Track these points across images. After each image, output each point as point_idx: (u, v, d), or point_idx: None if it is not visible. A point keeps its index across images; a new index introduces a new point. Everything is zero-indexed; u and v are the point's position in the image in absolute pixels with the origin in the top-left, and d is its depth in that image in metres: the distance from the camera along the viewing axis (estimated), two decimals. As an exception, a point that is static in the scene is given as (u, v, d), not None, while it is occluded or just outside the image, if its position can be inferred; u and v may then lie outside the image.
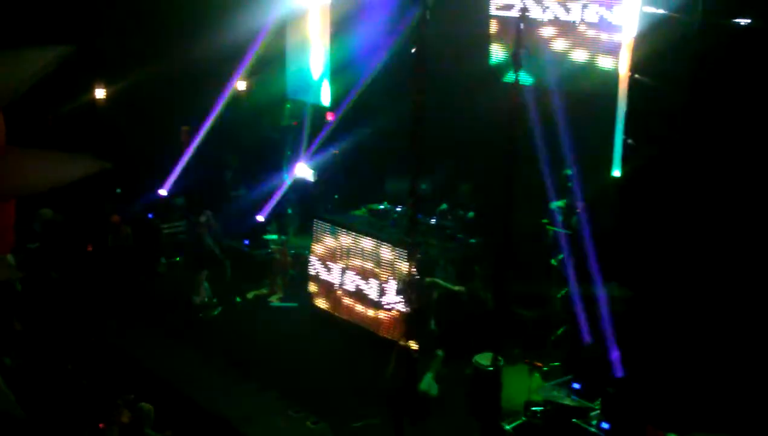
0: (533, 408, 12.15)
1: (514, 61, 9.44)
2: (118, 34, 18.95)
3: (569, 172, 14.36)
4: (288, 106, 20.29)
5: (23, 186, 4.19)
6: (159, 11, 18.64)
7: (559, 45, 15.05)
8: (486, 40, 16.02)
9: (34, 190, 4.33)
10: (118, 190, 19.15)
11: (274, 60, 19.85)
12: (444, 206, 16.16)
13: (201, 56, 18.14)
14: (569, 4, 14.73)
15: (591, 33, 14.47)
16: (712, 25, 7.01)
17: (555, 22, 15.01)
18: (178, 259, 18.73)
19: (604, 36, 14.19)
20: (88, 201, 17.16)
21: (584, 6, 14.50)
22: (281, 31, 19.36)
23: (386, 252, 14.68)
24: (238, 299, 17.15)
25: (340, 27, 18.33)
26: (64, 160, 4.28)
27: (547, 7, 15.04)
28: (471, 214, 15.84)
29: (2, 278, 4.38)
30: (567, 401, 12.37)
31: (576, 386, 12.67)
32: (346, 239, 15.56)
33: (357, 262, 15.34)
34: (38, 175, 4.15)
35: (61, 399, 11.21)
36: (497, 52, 16.04)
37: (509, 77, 13.79)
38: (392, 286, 14.53)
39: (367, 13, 16.99)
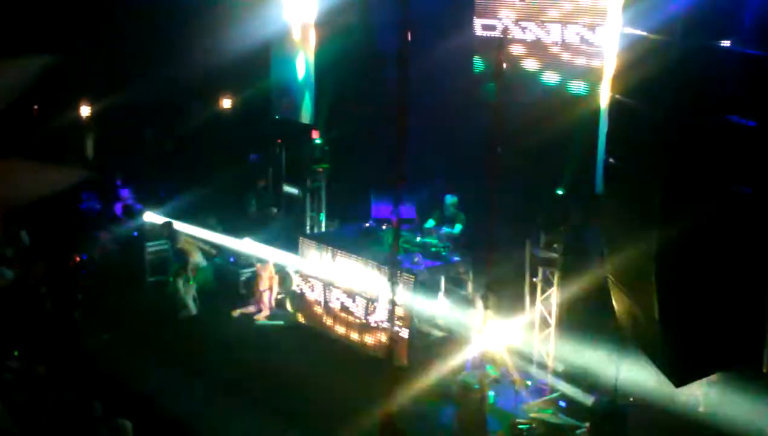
0: (520, 426, 12.16)
1: (496, 79, 9.50)
2: (104, 52, 18.97)
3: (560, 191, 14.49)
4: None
5: (12, 197, 4.22)
6: (144, 29, 18.67)
7: (540, 65, 15.14)
8: (470, 55, 16.10)
9: (24, 201, 4.36)
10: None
11: (258, 77, 19.91)
12: (430, 223, 16.18)
13: (185, 74, 18.19)
14: (548, 25, 14.82)
15: (571, 54, 14.59)
16: (691, 47, 7.05)
17: (535, 43, 15.08)
18: (164, 277, 18.70)
19: (584, 56, 14.33)
20: (74, 216, 17.14)
21: (564, 27, 14.61)
22: (265, 48, 19.44)
23: (372, 270, 14.70)
24: (231, 316, 17.15)
25: (325, 44, 18.38)
26: (52, 170, 4.30)
27: (527, 29, 15.11)
28: (459, 226, 15.83)
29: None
30: (554, 419, 12.40)
31: (563, 403, 12.70)
32: (331, 257, 15.57)
33: (342, 280, 15.35)
34: (27, 185, 4.18)
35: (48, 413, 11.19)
36: (480, 65, 16.16)
37: (490, 89, 13.93)
38: (378, 304, 14.54)
39: (352, 31, 17.04)
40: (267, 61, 19.80)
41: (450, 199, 16.03)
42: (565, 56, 14.68)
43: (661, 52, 7.35)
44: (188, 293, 17.01)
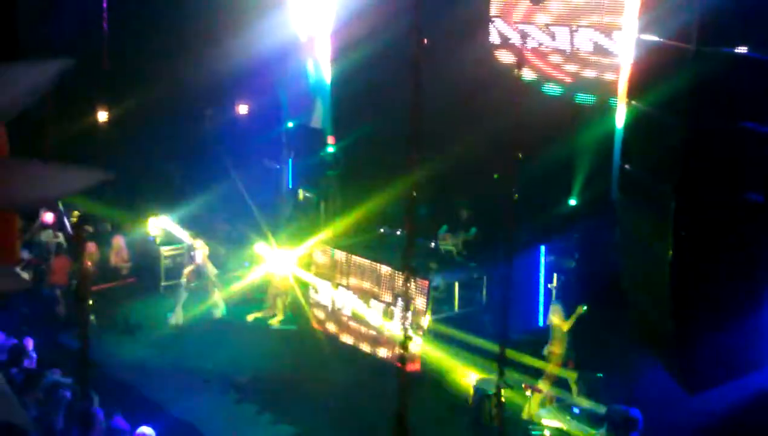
0: (533, 432, 12.13)
1: (517, 85, 9.48)
2: (121, 58, 19.07)
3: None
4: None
5: (28, 198, 4.23)
6: (160, 35, 18.76)
7: (554, 72, 15.04)
8: (486, 61, 16.01)
9: (39, 203, 4.38)
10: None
11: (276, 83, 20.00)
12: (444, 229, 16.18)
13: (202, 80, 18.29)
14: (553, 28, 14.69)
15: (585, 60, 14.48)
16: (707, 54, 7.04)
17: (541, 50, 14.96)
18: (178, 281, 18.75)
19: (600, 62, 14.22)
20: (90, 220, 17.21)
21: (574, 31, 14.46)
22: (283, 55, 19.53)
23: (386, 275, 14.71)
24: (248, 318, 17.20)
25: (342, 54, 18.43)
26: (68, 172, 4.31)
27: (530, 36, 14.97)
28: (473, 230, 15.80)
29: (12, 288, 4.41)
30: (567, 425, 12.36)
31: (576, 410, 12.66)
32: (345, 262, 15.59)
33: (356, 285, 15.37)
34: (42, 186, 4.19)
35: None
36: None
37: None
38: (393, 310, 14.54)
39: (368, 40, 17.05)
40: (282, 68, 19.88)
41: (463, 204, 16.03)
42: (581, 63, 14.60)
43: (677, 59, 7.34)
44: (179, 299, 17.04)
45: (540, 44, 14.98)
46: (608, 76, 14.15)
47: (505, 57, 15.58)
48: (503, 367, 9.51)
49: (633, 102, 8.27)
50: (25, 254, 16.64)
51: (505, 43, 15.64)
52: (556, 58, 14.86)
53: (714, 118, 7.24)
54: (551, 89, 15.01)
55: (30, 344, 12.57)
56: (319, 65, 18.99)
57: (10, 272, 4.13)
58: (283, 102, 20.23)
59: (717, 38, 7.23)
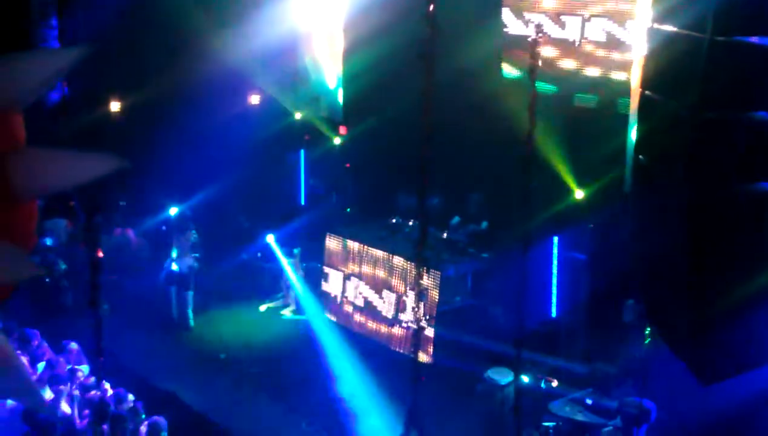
0: (545, 424, 12.11)
1: (531, 76, 9.39)
2: (132, 47, 19.07)
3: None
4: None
5: (44, 186, 4.25)
6: (171, 25, 18.75)
7: (571, 62, 14.90)
8: (498, 56, 15.90)
9: (55, 190, 4.41)
10: (122, 203, 19.36)
11: (288, 74, 19.97)
12: (456, 220, 16.13)
13: (214, 70, 18.27)
14: (564, 18, 14.58)
15: (598, 51, 14.33)
16: (722, 43, 6.97)
17: (565, 41, 14.80)
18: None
19: (612, 53, 14.08)
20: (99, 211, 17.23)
21: (585, 21, 14.31)
22: (295, 45, 19.52)
23: (398, 266, 14.71)
24: (261, 309, 17.21)
25: (355, 44, 18.39)
26: (84, 159, 4.33)
27: (535, 23, 14.76)
28: (485, 223, 15.78)
29: (26, 275, 4.42)
30: (579, 417, 12.33)
31: (589, 401, 12.63)
32: (357, 253, 15.60)
33: (369, 275, 15.37)
34: (58, 174, 4.21)
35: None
36: (510, 69, 15.87)
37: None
38: (405, 300, 14.54)
39: (382, 31, 17.00)
40: (294, 58, 19.86)
41: (475, 196, 15.98)
42: (597, 53, 14.44)
43: (690, 48, 7.27)
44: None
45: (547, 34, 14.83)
46: (621, 67, 14.03)
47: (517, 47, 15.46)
48: (519, 358, 9.48)
49: (646, 92, 8.19)
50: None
51: (516, 34, 15.50)
52: (565, 49, 14.73)
53: (728, 108, 7.18)
54: (561, 82, 14.89)
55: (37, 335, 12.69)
56: (338, 58, 18.94)
57: (24, 258, 4.15)
58: (301, 92, 20.20)
59: (732, 27, 7.15)
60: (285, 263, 17.64)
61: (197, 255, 17.33)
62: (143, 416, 10.90)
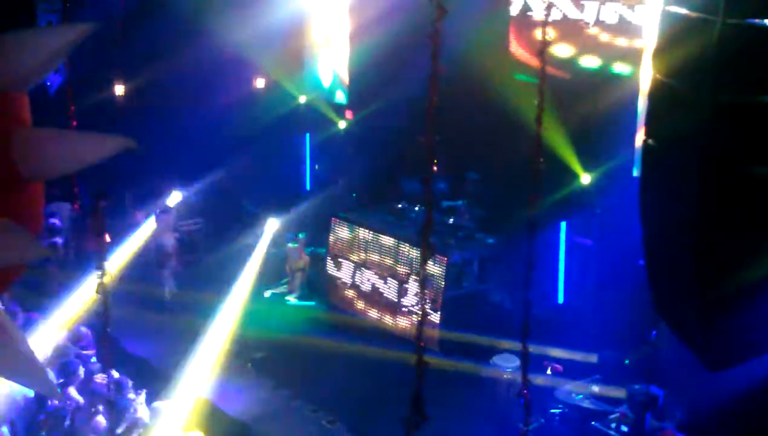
0: (551, 410, 12.07)
1: (540, 57, 9.28)
2: (136, 31, 18.99)
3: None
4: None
5: (50, 167, 4.19)
6: (176, 8, 18.65)
7: (576, 47, 14.79)
8: (505, 35, 15.78)
9: (63, 172, 4.34)
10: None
11: (293, 58, 19.88)
12: (459, 202, 16.04)
13: (218, 54, 18.20)
14: (583, 2, 14.49)
15: (609, 34, 14.26)
16: (734, 25, 6.85)
17: (564, 21, 14.69)
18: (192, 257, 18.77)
19: (624, 36, 14.01)
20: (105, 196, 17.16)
21: (602, 4, 14.24)
22: (300, 28, 19.42)
23: (405, 251, 14.64)
24: (266, 294, 17.22)
25: (361, 27, 18.28)
26: (92, 140, 4.26)
27: (554, 6, 14.69)
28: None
29: (33, 257, 4.36)
30: (586, 404, 12.29)
31: (596, 388, 12.58)
32: (363, 238, 15.54)
33: (375, 261, 15.31)
34: (65, 155, 4.15)
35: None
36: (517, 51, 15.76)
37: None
38: (411, 286, 14.48)
39: (388, 14, 16.90)
40: (300, 43, 19.78)
41: (472, 175, 15.88)
42: (603, 37, 14.37)
43: (702, 31, 7.15)
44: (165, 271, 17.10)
45: (564, 15, 14.71)
46: (632, 50, 13.92)
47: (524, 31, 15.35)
48: (526, 345, 9.41)
49: (657, 75, 8.07)
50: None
51: (525, 15, 15.39)
52: (579, 31, 14.62)
53: (740, 92, 7.05)
54: (578, 63, 14.80)
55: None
56: (345, 40, 18.86)
57: (31, 240, 4.08)
58: (306, 76, 20.11)
59: (744, 9, 7.02)
60: (290, 248, 17.58)
61: (177, 235, 17.45)
62: (142, 399, 10.88)
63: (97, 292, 7.22)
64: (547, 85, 8.81)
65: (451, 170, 15.55)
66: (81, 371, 11.25)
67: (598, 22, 14.26)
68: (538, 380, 12.73)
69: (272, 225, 17.94)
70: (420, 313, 9.15)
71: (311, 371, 13.96)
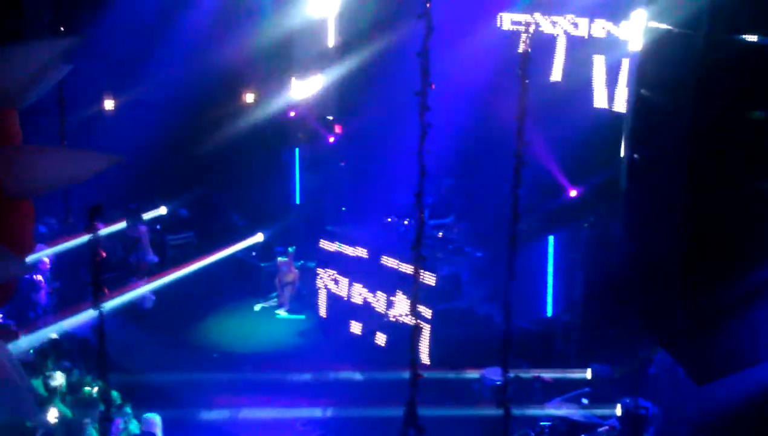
0: (541, 423, 12.08)
1: (522, 64, 9.37)
2: (124, 44, 19.01)
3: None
4: None
5: (40, 183, 4.20)
6: (166, 21, 18.71)
7: (569, 59, 14.94)
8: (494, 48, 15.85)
9: (51, 187, 4.35)
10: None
11: (282, 72, 19.93)
12: (451, 218, 16.10)
13: (209, 69, 18.25)
14: (578, 20, 14.66)
15: (598, 47, 14.42)
16: (717, 42, 6.95)
17: (565, 37, 14.90)
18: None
19: (610, 50, 14.16)
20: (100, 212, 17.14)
21: (591, 20, 14.45)
22: (289, 42, 19.48)
23: (394, 265, 14.67)
24: (256, 308, 17.19)
25: (348, 38, 18.36)
26: (80, 157, 4.28)
27: (556, 23, 14.90)
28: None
29: (15, 275, 4.35)
30: (576, 417, 12.31)
31: (585, 401, 12.61)
32: (353, 252, 15.55)
33: (364, 275, 15.32)
34: (53, 171, 4.15)
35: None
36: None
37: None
38: (400, 299, 14.50)
39: (375, 26, 16.99)
40: (289, 55, 19.82)
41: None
42: (591, 50, 14.52)
43: (686, 46, 7.25)
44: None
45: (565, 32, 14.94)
46: (618, 63, 14.06)
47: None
48: (508, 356, 9.46)
49: (641, 90, 8.18)
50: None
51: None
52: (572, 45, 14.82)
53: (723, 107, 7.15)
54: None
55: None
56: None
57: (12, 257, 4.07)
58: (292, 90, 20.19)
59: (727, 26, 7.13)
60: (280, 261, 17.58)
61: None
62: (129, 412, 10.88)
63: (93, 306, 7.25)
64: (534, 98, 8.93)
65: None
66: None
67: (589, 37, 14.45)
68: (527, 392, 12.77)
69: (261, 238, 17.96)
70: (411, 325, 9.16)
71: (301, 386, 13.95)
